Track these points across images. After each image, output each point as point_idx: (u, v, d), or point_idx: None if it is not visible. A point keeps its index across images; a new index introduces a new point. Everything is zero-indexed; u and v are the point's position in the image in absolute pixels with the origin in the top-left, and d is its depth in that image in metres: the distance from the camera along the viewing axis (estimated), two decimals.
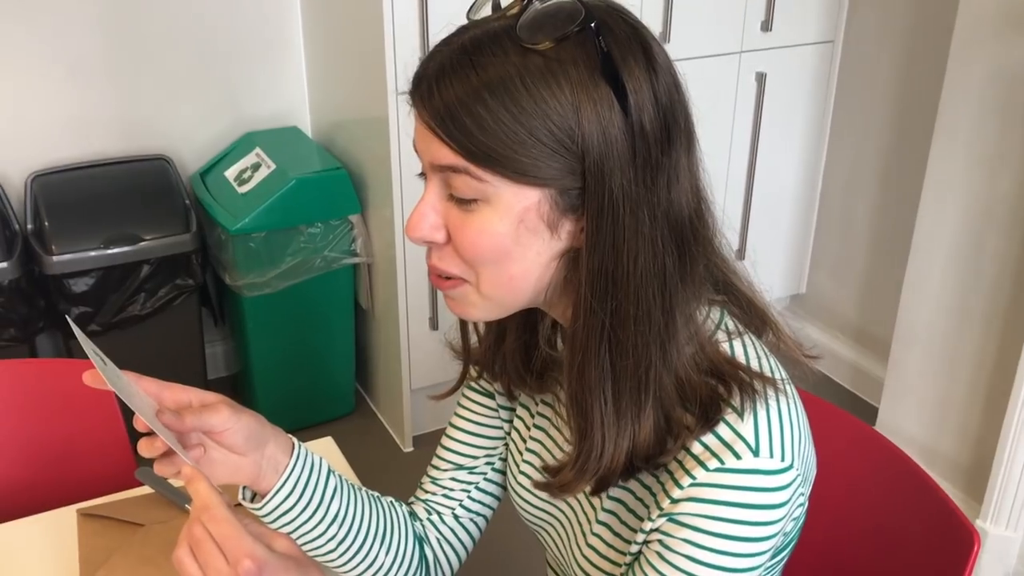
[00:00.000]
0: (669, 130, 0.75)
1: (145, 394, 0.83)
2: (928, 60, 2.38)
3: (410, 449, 2.51)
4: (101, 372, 0.76)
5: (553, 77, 0.72)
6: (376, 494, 1.01)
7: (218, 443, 0.86)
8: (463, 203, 0.77)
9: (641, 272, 0.75)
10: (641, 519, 0.84)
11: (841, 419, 1.17)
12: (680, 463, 0.79)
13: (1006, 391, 1.99)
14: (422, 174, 0.80)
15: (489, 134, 0.73)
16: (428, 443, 2.50)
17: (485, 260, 0.78)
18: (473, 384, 1.04)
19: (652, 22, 2.31)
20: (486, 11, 0.78)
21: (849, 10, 2.61)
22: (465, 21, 0.78)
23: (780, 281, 2.89)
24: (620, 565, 0.87)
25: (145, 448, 0.80)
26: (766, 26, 2.50)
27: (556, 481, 0.83)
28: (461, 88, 0.73)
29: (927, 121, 2.19)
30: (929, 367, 2.27)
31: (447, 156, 0.75)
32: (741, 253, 2.75)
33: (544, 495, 0.96)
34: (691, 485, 0.77)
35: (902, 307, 2.30)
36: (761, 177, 2.69)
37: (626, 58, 0.73)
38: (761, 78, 2.55)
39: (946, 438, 2.27)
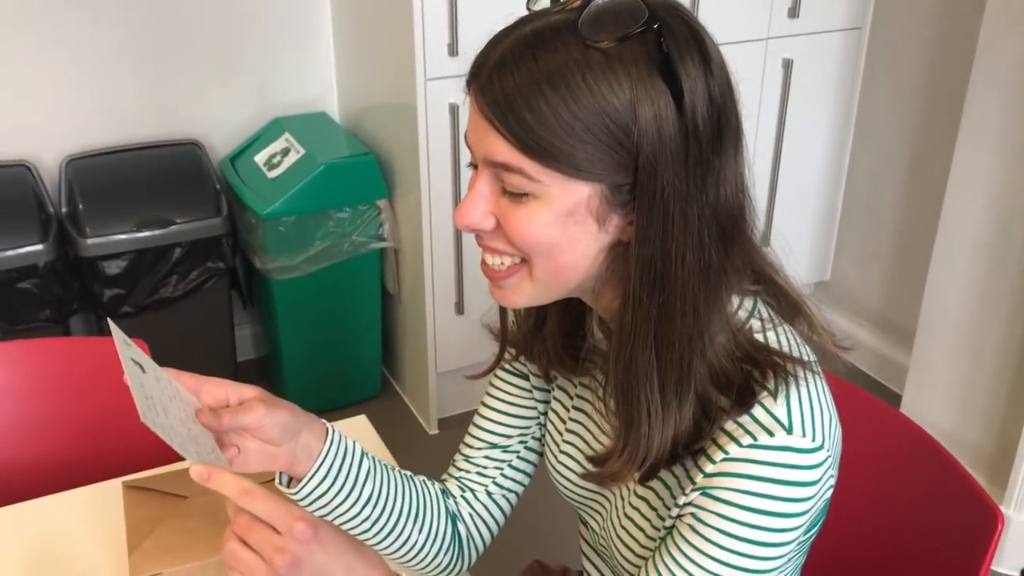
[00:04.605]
0: (721, 129, 0.77)
1: (186, 392, 0.85)
2: (956, 48, 2.37)
3: (436, 431, 2.54)
4: (136, 390, 0.75)
5: (613, 74, 0.73)
6: (409, 473, 1.03)
7: (254, 436, 0.88)
8: (514, 196, 0.78)
9: (689, 268, 0.77)
10: (675, 496, 0.86)
11: (865, 401, 1.18)
12: (714, 440, 0.80)
13: None
14: (472, 164, 0.82)
15: (548, 128, 0.74)
16: (453, 426, 2.53)
17: (536, 250, 0.80)
18: (506, 365, 1.06)
19: None
20: (544, 2, 0.79)
21: None
22: (526, 12, 0.79)
23: (805, 268, 2.89)
24: (655, 539, 0.89)
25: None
26: (793, 12, 2.50)
27: (604, 471, 0.85)
28: (522, 79, 0.74)
29: (954, 109, 2.18)
30: (954, 355, 2.27)
31: (502, 152, 0.76)
32: (767, 239, 2.73)
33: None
34: (724, 460, 0.79)
35: (927, 295, 2.30)
36: (787, 163, 2.69)
37: (684, 58, 0.74)
38: (788, 64, 2.56)
39: (970, 425, 2.28)
